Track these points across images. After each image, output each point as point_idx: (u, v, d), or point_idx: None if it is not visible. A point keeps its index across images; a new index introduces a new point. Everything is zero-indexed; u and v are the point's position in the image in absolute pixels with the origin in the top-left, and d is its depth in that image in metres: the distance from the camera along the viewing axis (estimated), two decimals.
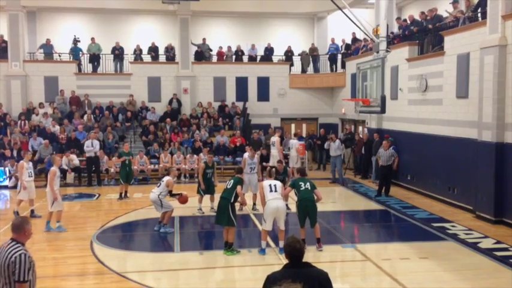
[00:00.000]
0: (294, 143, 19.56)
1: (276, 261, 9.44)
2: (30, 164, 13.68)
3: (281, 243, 9.80)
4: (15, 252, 4.77)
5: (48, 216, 11.90)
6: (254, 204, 13.87)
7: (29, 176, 13.27)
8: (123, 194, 15.75)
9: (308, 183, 10.19)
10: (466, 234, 11.38)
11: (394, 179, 16.97)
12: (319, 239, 10.22)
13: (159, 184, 11.95)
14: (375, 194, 16.26)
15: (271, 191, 9.87)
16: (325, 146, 19.71)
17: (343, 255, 10.23)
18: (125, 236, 12.26)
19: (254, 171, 14.05)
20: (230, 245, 10.03)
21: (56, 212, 11.82)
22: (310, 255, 9.55)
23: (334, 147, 18.49)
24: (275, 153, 19.08)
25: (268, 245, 10.19)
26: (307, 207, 10.03)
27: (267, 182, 10.13)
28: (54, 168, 11.90)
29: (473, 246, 10.45)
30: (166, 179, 11.90)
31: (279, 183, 10.15)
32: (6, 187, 18.00)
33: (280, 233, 9.97)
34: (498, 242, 10.71)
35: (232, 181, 10.28)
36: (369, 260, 9.69)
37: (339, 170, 18.65)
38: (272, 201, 9.75)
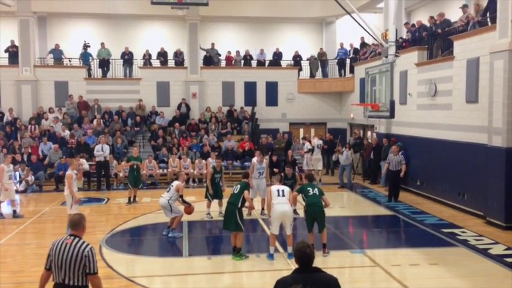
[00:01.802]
0: (306, 145, 19.84)
1: (285, 266, 9.42)
2: (11, 166, 14.55)
3: (289, 249, 9.79)
4: (86, 247, 5.15)
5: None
6: (262, 209, 13.84)
7: (9, 179, 14.09)
8: (132, 199, 15.80)
9: (316, 189, 10.18)
10: (477, 240, 11.28)
11: (404, 184, 16.87)
12: (325, 244, 10.17)
13: (168, 189, 11.96)
14: (383, 199, 16.20)
15: (278, 195, 9.82)
16: (333, 158, 19.71)
17: (352, 260, 10.19)
18: (133, 240, 12.28)
19: (263, 176, 14.04)
20: (238, 250, 10.01)
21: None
22: (319, 260, 9.51)
23: (343, 159, 18.51)
24: (319, 156, 19.72)
25: (276, 250, 10.17)
26: (314, 212, 10.02)
27: (275, 187, 10.07)
28: (70, 172, 12.00)
29: (484, 252, 10.35)
30: (176, 183, 11.91)
31: (287, 189, 10.08)
32: (16, 191, 18.04)
33: (288, 238, 9.95)
34: (509, 248, 10.60)
35: (239, 186, 10.28)
36: (378, 266, 9.64)
37: (348, 175, 18.62)
38: (278, 206, 9.70)
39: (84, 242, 5.18)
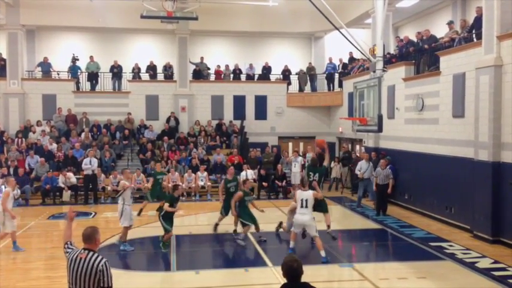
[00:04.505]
0: (299, 160, 19.82)
1: (273, 280, 9.37)
2: None
3: (322, 253, 10.45)
4: (100, 261, 5.08)
5: (13, 237, 11.63)
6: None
7: None
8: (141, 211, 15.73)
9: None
10: (464, 253, 11.33)
11: (392, 198, 16.91)
12: (328, 225, 12.02)
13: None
14: (372, 212, 16.23)
15: (301, 206, 10.64)
16: (357, 169, 17.64)
17: (340, 274, 10.18)
18: (121, 254, 12.13)
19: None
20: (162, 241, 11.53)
21: (11, 232, 11.56)
22: (308, 273, 9.44)
23: (368, 171, 17.10)
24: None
25: (266, 264, 10.12)
26: None
27: (299, 195, 10.79)
28: (8, 189, 11.61)
29: (471, 266, 10.40)
30: (121, 183, 11.88)
31: (310, 198, 10.69)
32: None
33: (316, 242, 10.68)
34: (496, 262, 10.66)
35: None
36: (366, 280, 9.63)
37: (373, 192, 16.84)
38: (299, 215, 10.66)
39: (98, 256, 5.12)
